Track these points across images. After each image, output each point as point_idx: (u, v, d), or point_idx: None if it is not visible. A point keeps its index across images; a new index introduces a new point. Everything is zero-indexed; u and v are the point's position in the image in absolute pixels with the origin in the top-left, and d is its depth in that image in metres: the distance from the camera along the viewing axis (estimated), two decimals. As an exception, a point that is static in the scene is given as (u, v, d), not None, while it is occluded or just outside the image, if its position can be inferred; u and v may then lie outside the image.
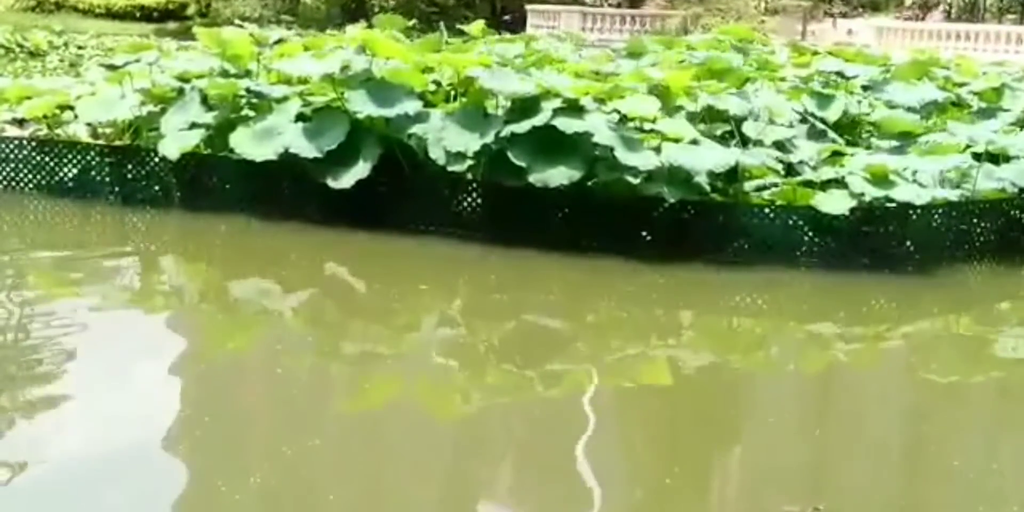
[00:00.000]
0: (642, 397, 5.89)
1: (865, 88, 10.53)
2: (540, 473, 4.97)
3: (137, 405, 5.36)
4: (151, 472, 4.66)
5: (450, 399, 5.75)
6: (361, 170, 8.15)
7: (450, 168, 8.13)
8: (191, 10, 35.69)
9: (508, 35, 14.59)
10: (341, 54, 8.98)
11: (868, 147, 9.20)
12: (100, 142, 9.45)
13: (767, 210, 7.97)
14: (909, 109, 10.02)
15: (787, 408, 5.99)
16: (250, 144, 8.44)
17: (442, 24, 12.51)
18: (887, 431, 5.74)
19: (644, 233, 8.03)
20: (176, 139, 8.73)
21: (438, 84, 9.05)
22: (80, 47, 18.49)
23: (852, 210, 7.75)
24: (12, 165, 9.51)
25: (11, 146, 9.56)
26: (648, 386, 6.02)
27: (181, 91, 9.15)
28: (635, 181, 7.87)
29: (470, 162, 8.15)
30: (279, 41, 11.37)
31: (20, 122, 10.03)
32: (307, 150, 8.20)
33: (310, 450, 4.93)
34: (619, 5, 38.98)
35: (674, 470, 4.95)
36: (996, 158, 8.88)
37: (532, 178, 7.86)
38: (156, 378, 5.79)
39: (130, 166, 9.21)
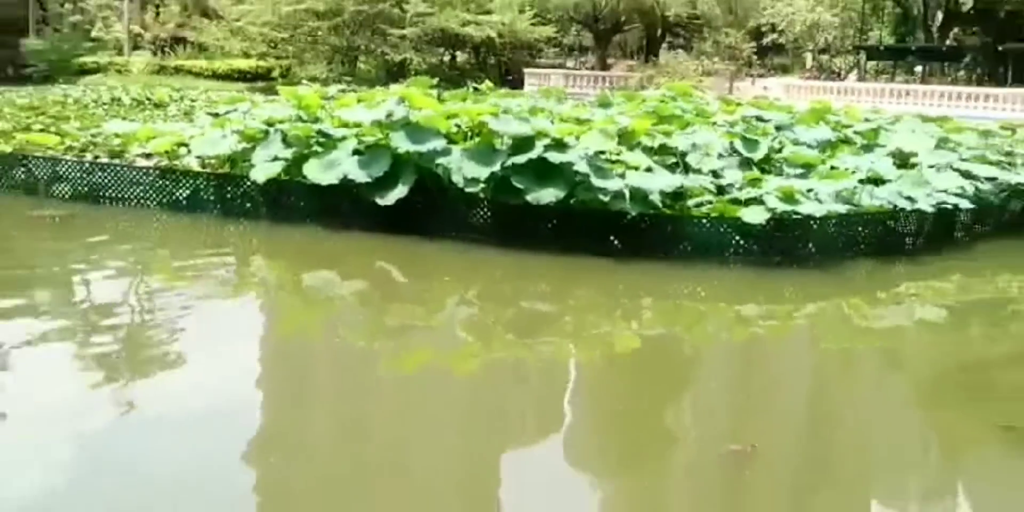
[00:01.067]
0: (611, 360, 5.85)
1: (777, 128, 10.50)
2: (535, 414, 4.94)
3: (232, 364, 5.35)
4: (244, 412, 4.63)
5: (466, 359, 5.71)
6: (400, 191, 8.13)
7: (467, 190, 8.10)
8: (275, 73, 35.70)
9: (510, 91, 14.57)
10: (386, 104, 8.94)
11: (779, 174, 9.16)
12: (207, 170, 9.45)
13: (704, 221, 7.93)
14: (810, 145, 10.01)
15: (722, 369, 5.97)
16: (318, 172, 8.42)
17: (469, 83, 12.47)
18: (797, 386, 5.72)
19: (612, 238, 7.99)
20: (263, 168, 8.72)
21: (459, 127, 9.03)
22: (192, 100, 18.44)
23: (767, 220, 7.73)
24: (141, 188, 9.50)
25: (141, 173, 9.56)
26: (616, 351, 5.98)
27: (266, 132, 9.14)
28: (605, 199, 7.85)
29: (482, 185, 8.11)
30: (336, 95, 11.38)
31: (147, 155, 10.03)
32: (360, 176, 8.19)
33: (362, 398, 4.90)
34: (592, 68, 38.98)
35: (637, 415, 4.90)
36: (875, 181, 8.87)
37: (528, 197, 7.83)
38: (247, 345, 5.78)
39: (228, 188, 9.20)
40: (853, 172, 8.92)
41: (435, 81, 10.41)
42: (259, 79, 34.83)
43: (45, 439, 4.11)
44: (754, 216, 7.71)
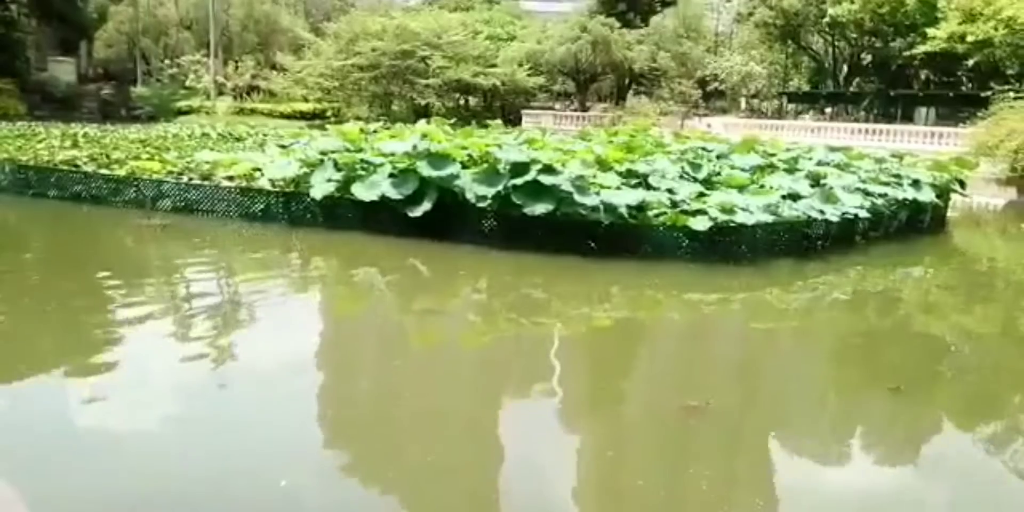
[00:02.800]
0: (589, 335, 5.88)
1: (718, 156, 10.52)
2: (530, 375, 4.98)
3: (297, 339, 5.38)
4: (313, 371, 4.68)
5: (478, 333, 5.75)
6: (426, 206, 8.17)
7: (478, 205, 8.13)
8: (328, 113, 35.68)
9: (509, 128, 14.58)
10: (412, 139, 8.96)
11: (720, 191, 9.18)
12: (276, 189, 9.47)
13: (661, 228, 7.96)
14: (743, 169, 10.03)
15: (673, 341, 5.99)
16: (362, 191, 8.47)
17: (475, 122, 12.51)
18: (733, 354, 5.74)
19: (590, 242, 8.01)
20: (320, 188, 8.76)
21: (470, 156, 9.06)
22: (264, 135, 18.45)
23: (710, 227, 7.76)
24: (225, 203, 9.55)
25: (225, 191, 9.61)
26: (593, 328, 6.02)
27: (322, 160, 9.17)
28: (584, 212, 7.89)
29: (489, 201, 8.13)
30: (375, 131, 11.40)
31: (230, 178, 10.05)
32: (395, 194, 8.23)
33: (399, 361, 4.94)
34: (575, 109, 38.95)
35: (611, 377, 4.94)
36: (794, 197, 8.89)
37: (525, 210, 7.87)
38: (309, 323, 5.81)
39: (293, 203, 9.22)
40: (777, 190, 8.94)
41: (452, 120, 10.47)
42: (316, 118, 34.79)
43: (165, 389, 4.16)
44: (700, 224, 7.75)
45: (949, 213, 11.97)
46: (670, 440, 4.06)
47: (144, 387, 4.29)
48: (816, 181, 9.81)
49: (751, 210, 8.17)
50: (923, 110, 33.30)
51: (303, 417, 4.05)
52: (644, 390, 4.80)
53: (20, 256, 7.89)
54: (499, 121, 12.64)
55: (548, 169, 8.07)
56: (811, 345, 6.07)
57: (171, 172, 10.39)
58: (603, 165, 8.89)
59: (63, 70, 37.62)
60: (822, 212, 8.55)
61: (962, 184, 12.01)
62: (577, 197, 7.81)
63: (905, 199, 9.93)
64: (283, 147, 11.03)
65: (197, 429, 3.83)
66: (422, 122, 11.38)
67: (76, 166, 10.87)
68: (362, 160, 8.97)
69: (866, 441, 4.23)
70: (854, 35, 34.89)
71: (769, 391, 4.92)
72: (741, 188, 9.09)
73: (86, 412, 3.97)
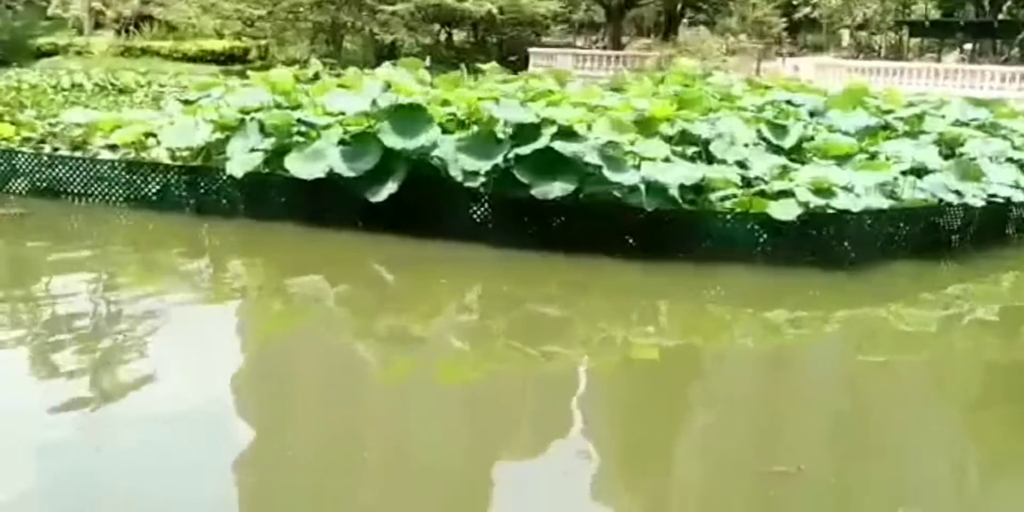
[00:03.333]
0: (627, 371, 5.88)
1: (811, 114, 10.52)
2: (544, 435, 4.96)
3: (209, 378, 5.35)
4: (220, 429, 4.68)
5: (465, 371, 5.75)
6: (391, 187, 8.17)
7: (465, 184, 8.14)
8: (252, 54, 35.77)
9: (511, 74, 14.59)
10: (369, 91, 8.93)
11: (812, 164, 9.17)
12: (178, 163, 9.47)
13: (728, 217, 7.95)
14: (846, 133, 10.02)
15: (748, 380, 5.98)
16: (300, 165, 8.46)
17: (463, 65, 12.50)
18: (833, 399, 5.72)
19: (626, 237, 8.01)
20: (240, 161, 8.75)
21: (454, 115, 9.06)
22: (161, 85, 18.49)
23: (799, 216, 7.75)
24: (106, 183, 9.54)
25: (105, 167, 9.60)
26: (631, 361, 6.02)
27: (243, 121, 9.16)
28: (619, 194, 7.90)
29: (482, 179, 8.14)
30: (315, 77, 11.40)
31: (112, 147, 10.05)
32: (347, 170, 8.24)
33: (349, 417, 4.94)
34: (605, 47, 38.97)
35: (661, 435, 4.92)
36: (919, 172, 8.88)
37: (534, 191, 7.87)
38: (225, 357, 5.80)
39: (202, 183, 9.22)
40: (894, 162, 8.93)
41: (429, 63, 10.46)
42: (234, 61, 34.88)
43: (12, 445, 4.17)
44: (784, 211, 7.74)
45: None
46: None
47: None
48: (951, 150, 9.80)
49: (857, 191, 8.17)
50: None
51: (210, 492, 4.04)
52: (709, 451, 4.78)
53: None
54: (491, 66, 12.57)
55: (567, 133, 8.08)
56: (944, 387, 6.06)
57: (28, 139, 10.38)
58: (645, 127, 8.88)
59: None
60: (959, 194, 8.55)
61: None
62: (608, 173, 7.82)
63: (1080, 175, 9.90)
64: (188, 103, 11.01)
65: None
66: (386, 66, 11.35)
67: None
68: (300, 122, 8.99)
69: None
70: (1004, -61, 34.86)
71: (882, 454, 4.90)
72: (845, 159, 9.08)
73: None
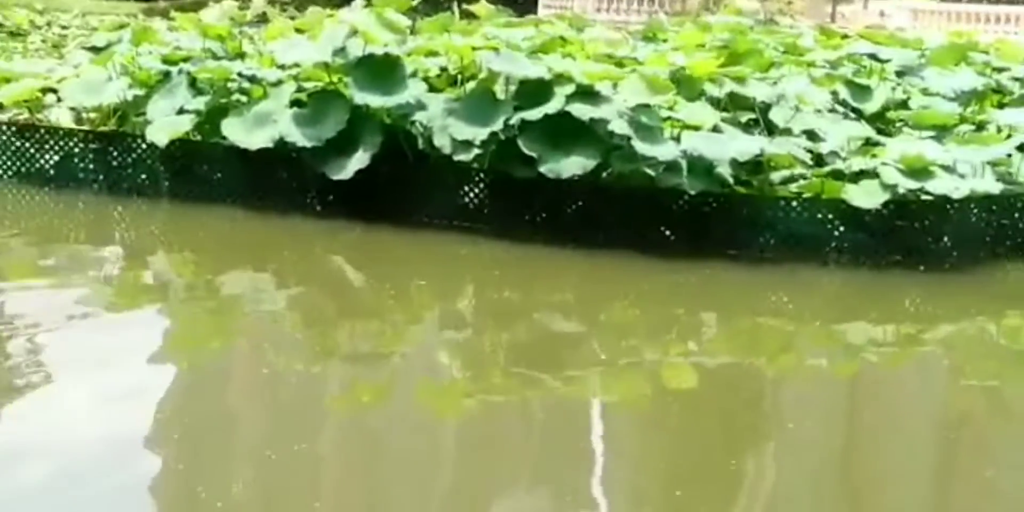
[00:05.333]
0: (663, 402, 5.87)
1: (899, 74, 10.48)
2: (555, 484, 4.95)
3: (115, 401, 5.36)
4: (130, 470, 4.65)
5: (452, 401, 5.74)
6: (361, 159, 8.17)
7: (456, 157, 8.13)
8: (181, -12, 35.77)
9: (515, 18, 14.54)
10: (331, 36, 8.88)
11: (903, 135, 9.14)
12: (84, 128, 9.48)
13: (794, 203, 7.95)
14: (946, 97, 9.98)
15: (820, 417, 5.95)
16: (243, 131, 8.46)
17: (454, 4, 12.46)
18: (927, 441, 5.70)
19: (663, 228, 8.02)
20: (164, 125, 8.76)
21: (443, 69, 9.03)
22: (64, 27, 18.53)
23: (885, 203, 7.74)
24: (-9, 152, 9.57)
25: (-10, 132, 9.63)
26: (669, 389, 6.02)
27: (168, 74, 9.16)
28: (653, 172, 7.90)
29: (477, 151, 8.13)
30: (262, 17, 11.36)
31: (0, 107, 10.07)
32: (303, 139, 8.22)
33: (296, 453, 4.92)
34: (636, -16, 38.94)
35: (705, 486, 4.90)
36: (1040, 149, 8.85)
37: (543, 168, 7.84)
38: (136, 374, 5.81)
39: (116, 153, 9.23)
40: (1010, 135, 8.90)
41: (412, 2, 10.39)
42: (157, -3, 34.90)
43: None
44: (866, 197, 7.73)
45: None
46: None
47: None
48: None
49: (961, 172, 8.14)
50: None
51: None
52: (774, 507, 4.74)
53: None
54: (487, 5, 12.51)
55: (587, 93, 8.06)
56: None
57: None
58: (687, 88, 8.86)
59: None
60: (1094, 177, 8.52)
61: None
62: (640, 145, 7.80)
63: None
64: (97, 51, 10.99)
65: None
66: (355, 4, 11.31)
67: None
68: (242, 76, 8.98)
69: None
70: None
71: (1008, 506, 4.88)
72: (945, 131, 9.07)
73: None
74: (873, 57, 10.74)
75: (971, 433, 5.84)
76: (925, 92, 10.05)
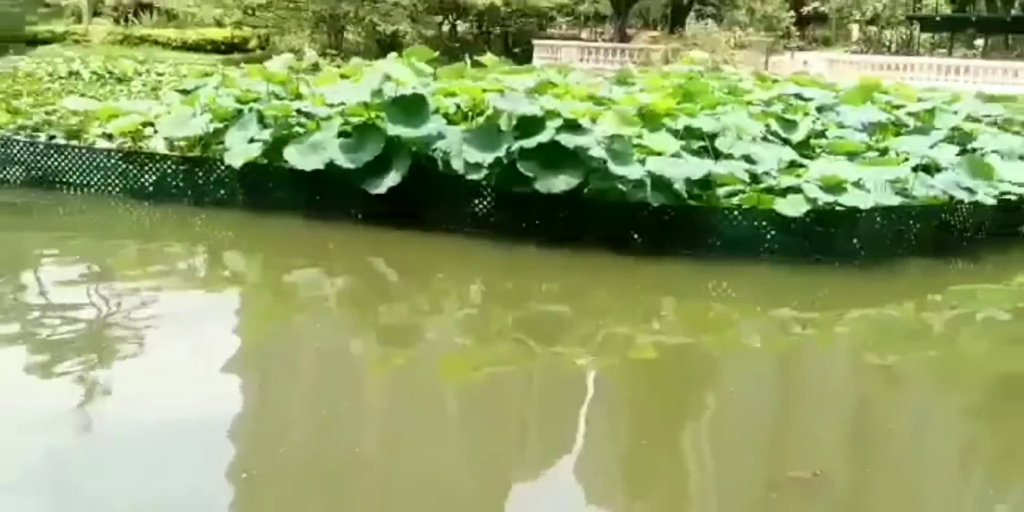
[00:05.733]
0: (632, 371, 5.84)
1: (819, 110, 10.47)
2: (544, 436, 4.93)
3: (204, 374, 5.34)
4: (211, 430, 4.63)
5: (466, 370, 5.71)
6: (393, 179, 8.16)
7: (468, 177, 8.11)
8: (252, 43, 35.76)
9: (516, 66, 14.51)
10: (369, 81, 8.90)
11: (820, 159, 9.12)
12: (175, 154, 9.46)
13: (735, 213, 7.92)
14: (856, 128, 9.98)
15: (753, 379, 5.95)
16: (300, 156, 8.45)
17: (467, 56, 12.45)
18: (839, 399, 5.69)
19: (631, 232, 7.99)
20: (239, 151, 8.76)
21: (458, 106, 9.02)
22: (159, 74, 18.44)
23: (807, 213, 7.71)
24: (102, 173, 9.53)
25: (102, 157, 9.59)
26: (637, 361, 5.98)
27: (241, 112, 9.16)
28: (624, 188, 7.87)
29: (485, 172, 8.11)
30: (315, 67, 11.32)
31: (109, 137, 10.05)
32: (347, 162, 8.22)
33: (346, 417, 4.91)
34: (610, 40, 38.91)
35: (664, 438, 4.89)
36: (930, 169, 8.84)
37: (537, 185, 7.84)
38: (219, 352, 5.78)
39: (200, 173, 9.22)
40: (906, 159, 8.88)
41: (434, 55, 10.39)
42: (234, 50, 34.91)
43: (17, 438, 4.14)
44: (792, 207, 7.70)
45: None
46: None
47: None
48: (962, 146, 9.74)
49: (867, 188, 8.12)
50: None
51: (206, 492, 4.00)
52: (718, 455, 4.73)
53: None
54: (493, 57, 12.50)
55: (572, 126, 8.04)
56: (957, 391, 6.00)
57: (23, 128, 10.36)
58: (651, 120, 8.84)
59: None
60: (971, 191, 8.49)
61: None
62: (614, 167, 7.79)
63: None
64: (186, 93, 10.98)
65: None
66: (390, 57, 11.30)
67: None
68: (299, 112, 8.97)
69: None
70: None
71: (897, 459, 4.86)
72: (854, 155, 9.04)
73: None
74: (798, 97, 10.74)
75: (874, 393, 5.84)
76: (840, 125, 10.05)
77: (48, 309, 6.32)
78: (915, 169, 8.70)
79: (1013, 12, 37.65)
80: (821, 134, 9.69)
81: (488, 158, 8.02)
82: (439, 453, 4.54)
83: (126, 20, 38.74)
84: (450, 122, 8.65)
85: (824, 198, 7.81)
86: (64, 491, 3.92)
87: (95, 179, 9.54)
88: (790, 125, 9.52)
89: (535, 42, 35.88)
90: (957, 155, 9.27)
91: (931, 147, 9.32)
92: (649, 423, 5.07)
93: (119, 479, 4.04)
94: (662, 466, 4.54)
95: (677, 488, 4.39)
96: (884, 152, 9.20)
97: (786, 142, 9.24)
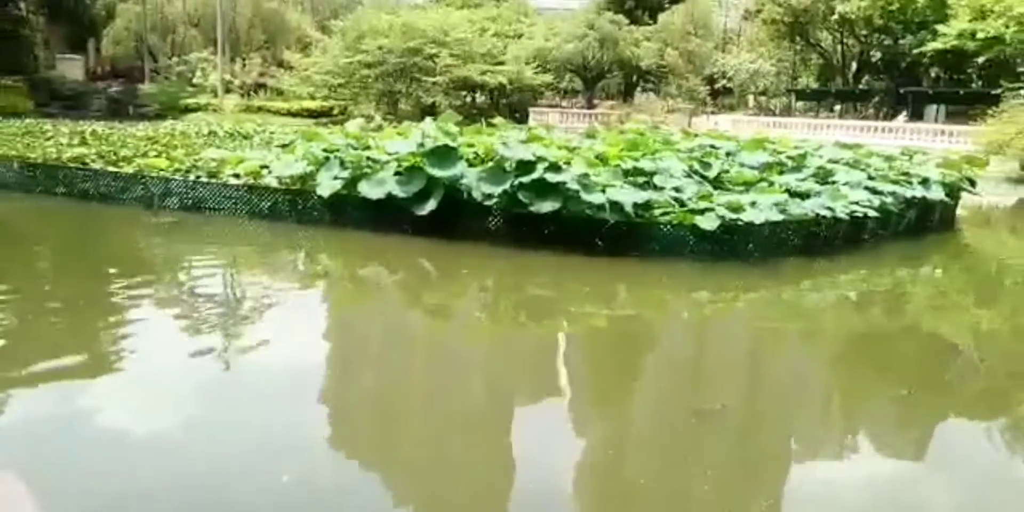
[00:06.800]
0: (597, 334, 5.85)
1: (727, 154, 10.46)
2: (534, 379, 4.96)
3: (305, 336, 5.37)
4: (320, 368, 4.67)
5: (482, 333, 5.74)
6: (432, 205, 8.16)
7: (484, 203, 8.12)
8: (335, 111, 35.72)
9: (516, 126, 14.53)
10: (414, 137, 8.94)
11: (728, 190, 9.11)
12: (283, 187, 9.48)
13: (668, 226, 7.91)
14: (752, 167, 9.97)
15: (682, 341, 5.97)
16: (369, 189, 8.47)
17: (482, 119, 12.48)
18: (742, 354, 5.71)
19: (597, 241, 7.98)
20: (327, 185, 8.77)
21: (476, 154, 9.04)
22: (272, 132, 18.48)
23: (719, 226, 7.70)
24: (232, 200, 9.57)
25: (232, 189, 9.63)
26: (600, 328, 5.99)
27: (328, 158, 9.17)
28: (591, 210, 7.87)
29: (496, 199, 8.12)
30: (379, 127, 11.34)
31: (237, 176, 10.07)
32: (401, 193, 8.24)
33: (405, 358, 4.93)
34: (582, 107, 38.86)
35: (617, 380, 4.91)
36: (802, 195, 8.83)
37: (532, 208, 7.86)
38: (316, 321, 5.82)
39: (300, 202, 9.21)
40: (784, 188, 8.88)
41: (459, 118, 10.43)
42: (323, 116, 34.79)
43: (169, 384, 4.17)
44: (708, 222, 7.69)
45: (959, 212, 11.87)
46: (689, 445, 4.01)
47: (149, 386, 4.30)
48: (825, 179, 9.74)
49: (760, 208, 8.11)
50: (933, 108, 33.05)
51: (308, 413, 4.05)
52: (655, 393, 4.76)
53: (28, 252, 7.92)
54: (501, 120, 12.54)
55: (554, 167, 8.05)
56: (820, 346, 6.02)
57: (178, 170, 10.41)
58: (605, 163, 8.85)
59: (71, 67, 37.80)
60: (831, 210, 8.48)
61: (972, 183, 11.90)
62: (583, 195, 7.79)
63: (914, 197, 9.85)
64: (288, 145, 11.01)
65: (206, 428, 3.83)
66: (428, 120, 11.36)
67: (84, 163, 10.92)
68: (368, 158, 8.97)
69: (875, 444, 4.20)
70: (863, 32, 34.66)
71: (780, 394, 4.88)
72: (750, 186, 9.04)
73: (94, 409, 3.98)
74: (712, 146, 10.72)
75: (762, 348, 5.85)
76: (741, 165, 10.04)
77: (193, 293, 6.34)
78: (792, 195, 8.69)
79: (860, 86, 37.57)
80: (727, 171, 9.68)
81: (497, 190, 8.04)
82: (459, 380, 4.57)
83: (248, 95, 38.72)
84: (471, 165, 8.64)
85: (730, 216, 7.79)
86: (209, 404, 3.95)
87: (227, 205, 9.57)
88: (706, 165, 9.51)
89: (530, 109, 35.86)
90: (821, 185, 9.28)
91: (802, 180, 9.33)
92: (608, 368, 5.07)
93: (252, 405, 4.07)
94: (614, 395, 4.57)
95: (622, 414, 4.41)
96: (771, 184, 9.18)
97: (703, 177, 9.23)
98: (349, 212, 8.89)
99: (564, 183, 7.84)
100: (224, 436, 3.74)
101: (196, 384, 4.32)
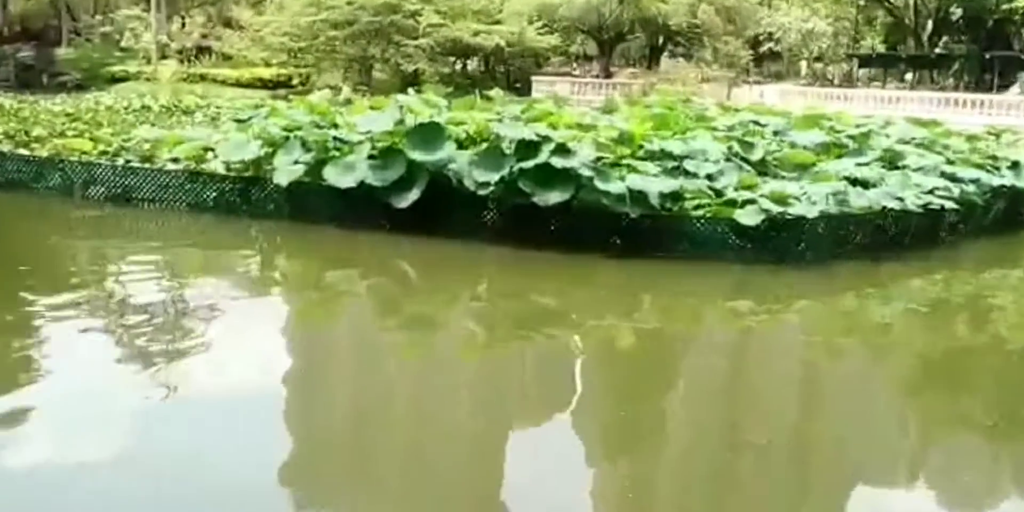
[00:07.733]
0: (614, 353, 5.87)
1: (774, 133, 10.48)
2: (539, 405, 4.97)
3: (258, 354, 5.39)
4: (269, 397, 4.70)
5: (477, 351, 5.77)
6: (415, 195, 8.17)
7: (478, 193, 8.13)
8: (295, 81, 35.76)
9: (516, 98, 14.56)
10: (393, 111, 8.95)
11: (775, 176, 9.12)
12: (232, 174, 9.50)
13: (701, 221, 7.92)
14: (805, 148, 9.98)
15: (718, 362, 5.97)
16: (336, 176, 8.47)
17: (477, 91, 12.50)
18: (792, 378, 5.72)
19: (614, 238, 7.99)
20: (285, 172, 8.77)
21: (467, 133, 9.05)
22: (217, 107, 18.47)
23: (762, 221, 7.71)
24: (170, 190, 9.60)
25: (170, 176, 9.66)
26: (618, 345, 6.01)
27: (287, 138, 9.18)
28: (607, 201, 7.88)
29: (491, 188, 8.14)
30: (348, 101, 11.36)
31: (176, 160, 10.09)
32: (376, 181, 8.25)
33: (376, 385, 4.95)
34: (597, 76, 38.91)
35: (640, 409, 4.92)
36: (865, 183, 8.85)
37: (535, 199, 7.87)
38: (272, 337, 5.83)
39: (253, 191, 9.24)
40: (843, 175, 8.90)
41: (448, 89, 10.45)
42: (280, 87, 34.84)
43: (94, 415, 4.19)
44: (749, 217, 7.70)
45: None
46: (727, 487, 4.03)
47: (69, 417, 4.31)
48: (893, 164, 9.76)
49: (812, 200, 8.13)
50: (1025, 76, 33.14)
51: (261, 450, 4.06)
52: (685, 423, 4.78)
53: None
54: (498, 92, 12.55)
55: (563, 149, 8.07)
56: (887, 368, 6.04)
57: (104, 153, 10.43)
58: (630, 144, 8.87)
59: (-28, 28, 37.83)
60: (900, 201, 8.51)
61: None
62: (598, 183, 7.81)
63: (1002, 186, 9.88)
64: (240, 122, 11.03)
65: (139, 467, 3.85)
66: (410, 92, 11.36)
67: (-12, 145, 10.96)
68: (336, 139, 8.98)
69: (958, 491, 4.21)
70: (941, -16, 34.74)
71: (840, 426, 4.89)
72: (802, 172, 9.05)
73: (9, 444, 4.00)
74: (756, 123, 10.74)
75: (818, 375, 5.86)
76: (792, 145, 10.04)
77: (125, 305, 6.36)
78: (853, 184, 8.70)
79: (937, 50, 37.66)
80: (775, 153, 9.66)
81: (493, 177, 8.04)
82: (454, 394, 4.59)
83: (188, 61, 38.78)
84: (461, 147, 8.63)
85: (775, 209, 7.78)
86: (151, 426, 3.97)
87: (164, 195, 9.59)
88: (749, 147, 9.50)
89: (533, 78, 35.85)
90: (888, 171, 9.29)
91: (865, 165, 9.34)
92: (626, 396, 5.08)
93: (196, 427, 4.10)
94: (636, 427, 4.58)
95: (646, 455, 4.42)
96: (827, 170, 9.15)
97: (745, 161, 9.20)
98: (313, 204, 8.91)
99: (574, 169, 7.86)
100: (160, 475, 3.76)
101: (126, 414, 4.34)
